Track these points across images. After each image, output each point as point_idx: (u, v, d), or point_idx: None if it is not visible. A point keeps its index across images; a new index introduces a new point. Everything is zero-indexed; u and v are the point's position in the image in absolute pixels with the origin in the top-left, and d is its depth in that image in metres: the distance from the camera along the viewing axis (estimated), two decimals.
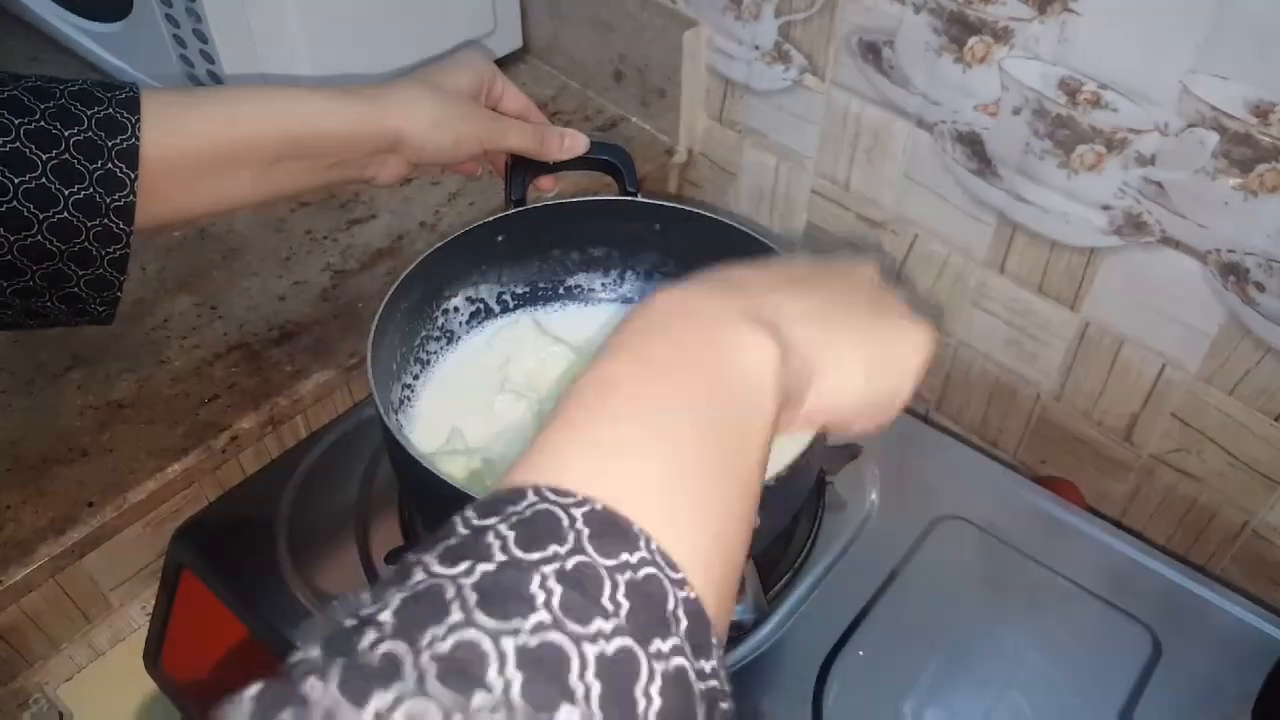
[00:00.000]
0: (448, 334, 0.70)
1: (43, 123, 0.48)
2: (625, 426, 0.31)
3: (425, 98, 0.60)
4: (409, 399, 0.67)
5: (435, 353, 0.69)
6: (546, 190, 0.71)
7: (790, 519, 0.66)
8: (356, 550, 0.66)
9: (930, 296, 0.84)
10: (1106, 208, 0.69)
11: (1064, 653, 0.62)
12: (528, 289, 0.73)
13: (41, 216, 0.48)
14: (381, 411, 0.55)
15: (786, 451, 0.64)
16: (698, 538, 0.30)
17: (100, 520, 0.64)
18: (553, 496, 0.28)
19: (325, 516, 0.69)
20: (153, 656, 0.72)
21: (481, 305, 0.72)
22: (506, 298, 0.73)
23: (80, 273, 0.51)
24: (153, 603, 0.72)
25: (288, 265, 0.81)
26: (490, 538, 0.26)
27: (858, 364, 0.41)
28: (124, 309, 0.76)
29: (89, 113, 0.49)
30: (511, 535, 0.26)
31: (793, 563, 0.66)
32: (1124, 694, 0.60)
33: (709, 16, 0.86)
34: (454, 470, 0.61)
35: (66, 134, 0.49)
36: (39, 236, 0.48)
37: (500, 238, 0.68)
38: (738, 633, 0.51)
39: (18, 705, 0.71)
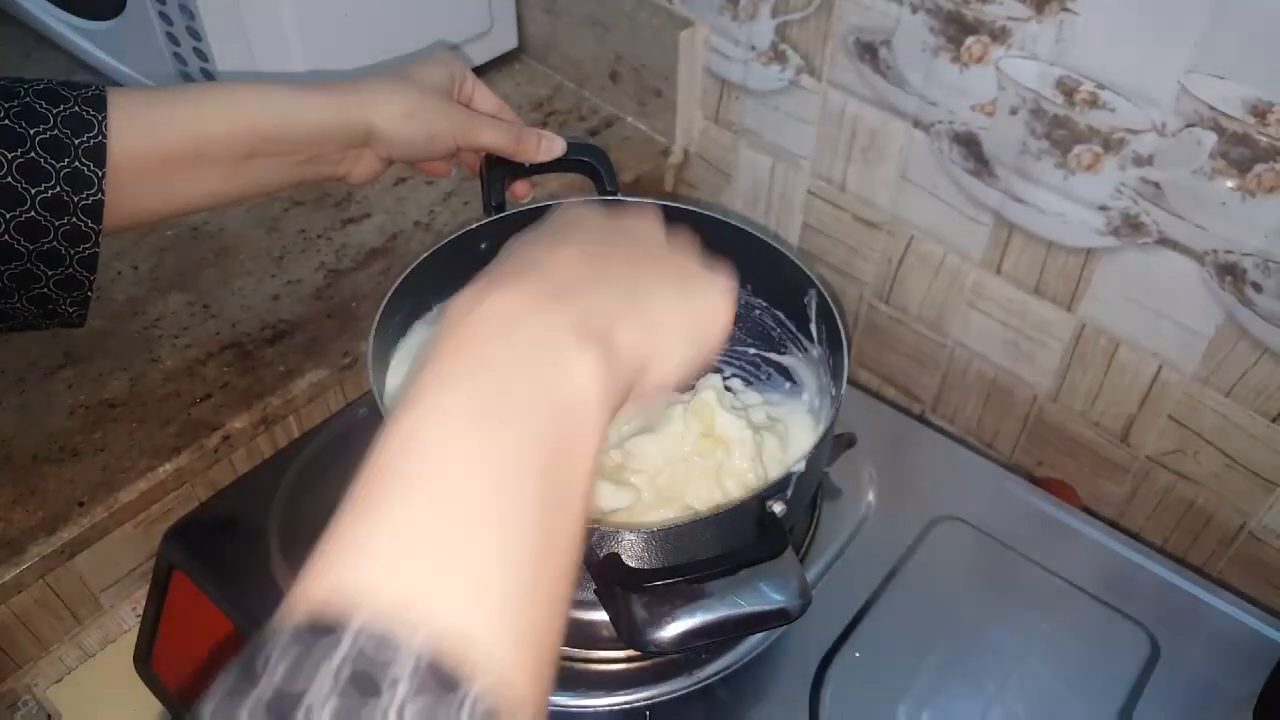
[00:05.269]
0: None
1: (7, 121, 0.48)
2: (447, 508, 0.29)
3: (398, 90, 0.60)
4: None
5: None
6: (521, 197, 0.70)
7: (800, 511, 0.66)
8: None
9: (926, 297, 0.84)
10: (1103, 208, 0.69)
11: (1062, 654, 0.62)
12: None
13: (7, 215, 0.48)
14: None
15: (799, 449, 0.64)
16: (523, 627, 0.29)
17: (91, 520, 0.63)
18: (372, 652, 0.25)
19: (318, 517, 0.67)
20: (143, 658, 0.71)
21: None
22: None
23: (49, 273, 0.50)
24: (143, 604, 0.72)
25: (281, 264, 0.81)
26: (302, 712, 0.24)
27: (678, 346, 0.40)
28: (115, 307, 0.76)
29: (55, 111, 0.49)
30: (328, 712, 0.24)
31: None
32: (1122, 696, 0.60)
33: (706, 16, 0.86)
34: None
35: (32, 132, 0.48)
36: (5, 236, 0.48)
37: (484, 245, 0.67)
38: (785, 622, 0.51)
39: (6, 707, 0.70)
